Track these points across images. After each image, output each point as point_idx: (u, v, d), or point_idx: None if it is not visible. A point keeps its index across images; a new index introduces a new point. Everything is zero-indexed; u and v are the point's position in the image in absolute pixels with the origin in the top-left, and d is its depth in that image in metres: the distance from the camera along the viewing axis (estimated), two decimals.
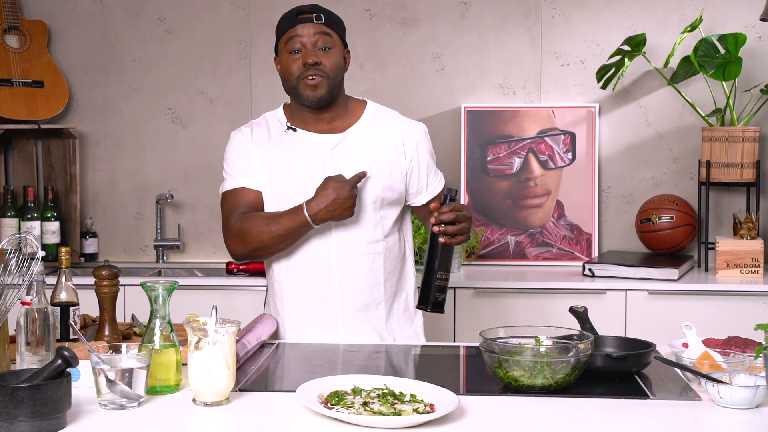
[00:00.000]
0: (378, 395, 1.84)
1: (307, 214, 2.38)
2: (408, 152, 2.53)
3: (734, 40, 3.72)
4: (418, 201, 2.58)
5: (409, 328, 2.61)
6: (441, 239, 2.25)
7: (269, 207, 2.50)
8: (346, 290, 2.48)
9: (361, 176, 2.41)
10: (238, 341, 2.12)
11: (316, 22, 2.43)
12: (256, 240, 2.45)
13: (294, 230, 2.42)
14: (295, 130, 2.51)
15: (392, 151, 2.51)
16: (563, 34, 4.02)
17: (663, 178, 4.02)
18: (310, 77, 2.42)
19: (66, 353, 1.71)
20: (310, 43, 2.42)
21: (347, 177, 2.43)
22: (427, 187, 2.57)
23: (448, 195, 2.29)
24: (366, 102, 2.59)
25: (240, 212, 2.49)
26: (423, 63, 4.08)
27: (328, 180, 2.39)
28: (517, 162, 3.98)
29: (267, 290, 2.65)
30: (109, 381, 1.81)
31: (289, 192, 2.47)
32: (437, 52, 4.07)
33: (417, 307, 2.33)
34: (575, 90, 4.02)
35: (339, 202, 2.37)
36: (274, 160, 2.50)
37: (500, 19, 4.04)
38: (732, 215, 3.88)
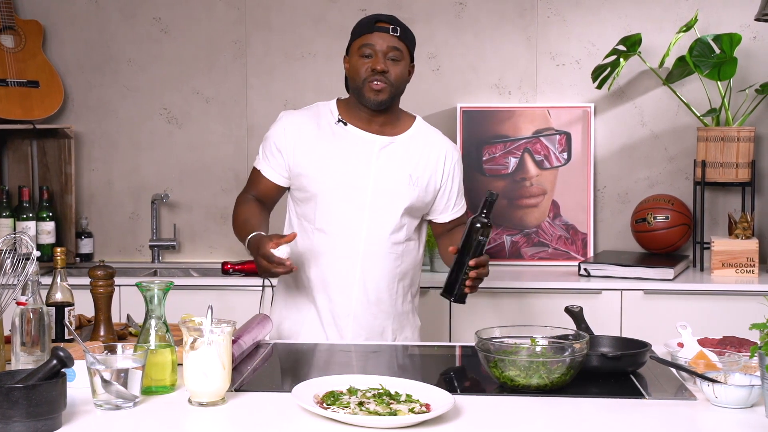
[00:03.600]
0: (374, 395, 1.84)
1: (246, 245, 2.50)
2: (446, 171, 2.67)
3: (729, 40, 3.72)
4: (440, 219, 2.71)
5: (408, 329, 2.69)
6: (468, 283, 2.40)
7: (310, 190, 2.57)
8: (366, 282, 2.57)
9: (281, 272, 2.40)
10: (233, 341, 2.12)
11: (391, 34, 2.55)
12: (233, 228, 2.66)
13: (245, 239, 2.53)
14: (345, 123, 2.61)
15: (433, 166, 2.65)
16: (559, 34, 4.02)
17: (658, 178, 4.02)
18: (376, 82, 2.53)
19: (61, 353, 1.71)
20: (381, 52, 2.54)
21: (389, 180, 2.56)
22: (453, 207, 2.71)
23: (489, 198, 2.41)
24: (416, 117, 2.72)
25: (251, 194, 2.68)
26: (419, 63, 4.05)
27: (258, 253, 2.40)
28: (512, 162, 3.98)
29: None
30: (104, 381, 1.81)
31: (331, 182, 2.56)
32: (433, 52, 4.07)
33: (441, 295, 2.44)
34: (571, 90, 4.02)
35: (264, 266, 2.39)
36: (320, 147, 2.59)
37: (496, 19, 4.04)
38: (727, 215, 3.89)
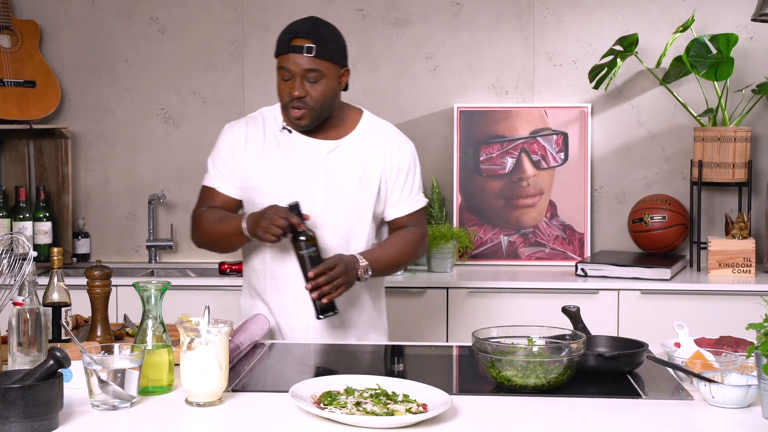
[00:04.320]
0: (371, 395, 1.84)
1: (244, 222, 2.44)
2: (392, 163, 2.56)
3: (726, 41, 3.72)
4: (386, 215, 2.61)
5: (374, 335, 2.63)
6: (313, 295, 2.37)
7: (257, 203, 2.51)
8: None
9: (296, 222, 2.37)
10: (230, 341, 2.11)
11: (306, 55, 2.41)
12: (205, 234, 2.56)
13: (233, 234, 2.47)
14: (290, 131, 2.53)
15: (381, 162, 2.55)
16: (556, 35, 4.02)
17: (655, 178, 4.02)
18: (295, 107, 2.44)
19: (58, 354, 1.71)
20: (298, 74, 2.43)
21: (339, 186, 2.49)
22: (398, 203, 2.59)
23: (294, 210, 2.38)
24: (362, 111, 2.61)
25: (207, 206, 2.57)
26: (416, 63, 4.08)
27: (272, 205, 2.41)
28: (509, 162, 3.98)
29: (246, 284, 2.67)
30: (101, 381, 1.81)
31: (278, 191, 2.48)
32: (430, 52, 4.07)
33: (318, 318, 2.42)
34: (568, 90, 4.02)
35: (264, 223, 2.36)
36: (267, 158, 2.52)
37: (493, 19, 4.04)
38: (724, 215, 3.89)
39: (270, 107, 2.61)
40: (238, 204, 2.58)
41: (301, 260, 2.39)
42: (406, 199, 2.60)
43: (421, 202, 2.64)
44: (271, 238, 2.36)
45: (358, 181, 2.51)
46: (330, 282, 2.36)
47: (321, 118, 2.49)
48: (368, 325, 2.61)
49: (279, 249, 2.51)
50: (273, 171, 2.50)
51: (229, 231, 2.47)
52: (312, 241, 2.39)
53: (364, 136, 2.56)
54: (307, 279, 2.38)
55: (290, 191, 2.47)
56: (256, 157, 2.53)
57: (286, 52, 2.44)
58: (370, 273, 2.46)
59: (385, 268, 2.53)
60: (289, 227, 2.36)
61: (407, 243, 2.59)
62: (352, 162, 2.52)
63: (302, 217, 2.38)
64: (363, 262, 2.44)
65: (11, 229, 3.94)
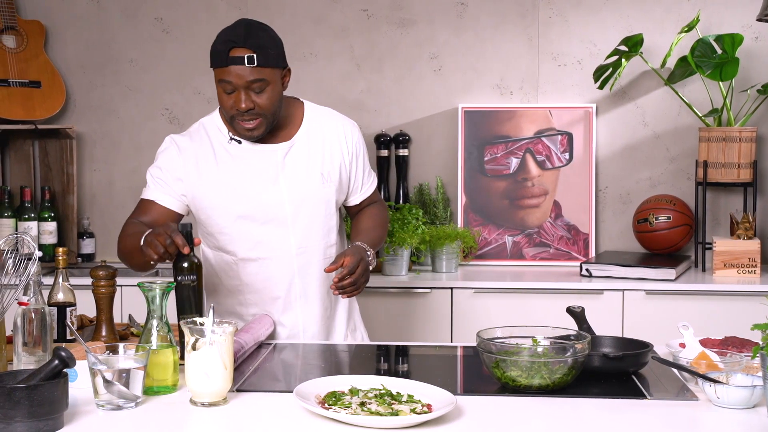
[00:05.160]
0: (375, 395, 1.84)
1: (143, 237, 2.22)
2: (349, 151, 2.53)
3: (731, 41, 3.72)
4: (351, 201, 2.60)
5: (345, 327, 2.61)
6: (335, 293, 2.33)
7: (225, 223, 2.45)
8: (309, 297, 2.49)
9: (180, 243, 2.11)
10: (235, 342, 2.11)
11: (248, 66, 2.33)
12: (119, 247, 2.42)
13: (135, 250, 2.28)
14: (240, 142, 2.46)
15: (338, 153, 2.51)
16: (560, 35, 4.02)
17: (660, 179, 4.02)
18: (246, 120, 2.37)
19: (63, 354, 1.71)
20: (242, 86, 2.34)
21: (303, 186, 2.45)
22: (362, 188, 2.59)
23: (183, 230, 2.15)
24: (303, 102, 2.56)
25: (140, 220, 2.43)
26: (420, 63, 4.08)
27: (166, 223, 2.22)
28: (514, 162, 3.98)
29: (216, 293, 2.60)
30: (106, 381, 1.81)
31: (244, 209, 2.43)
32: (434, 53, 4.07)
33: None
34: (572, 90, 4.02)
35: (149, 238, 2.16)
36: (222, 173, 2.44)
37: (497, 19, 4.04)
38: (729, 215, 3.89)
39: (209, 117, 2.52)
40: (177, 218, 2.47)
41: (177, 288, 2.12)
42: (367, 180, 2.60)
43: (375, 178, 2.65)
44: (151, 254, 2.13)
45: (320, 177, 2.47)
46: (355, 283, 2.34)
47: (272, 124, 2.42)
48: (343, 318, 2.60)
49: (248, 262, 2.47)
50: (231, 185, 2.43)
51: (132, 246, 2.31)
52: (193, 268, 2.13)
53: (313, 129, 2.51)
54: (181, 309, 2.12)
55: (254, 202, 2.43)
56: (210, 174, 2.44)
57: (226, 65, 2.34)
58: (375, 262, 2.45)
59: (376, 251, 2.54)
60: (172, 247, 2.12)
61: (384, 222, 2.63)
62: (310, 159, 2.47)
63: (191, 241, 2.14)
64: (371, 253, 2.43)
65: (16, 229, 3.95)
